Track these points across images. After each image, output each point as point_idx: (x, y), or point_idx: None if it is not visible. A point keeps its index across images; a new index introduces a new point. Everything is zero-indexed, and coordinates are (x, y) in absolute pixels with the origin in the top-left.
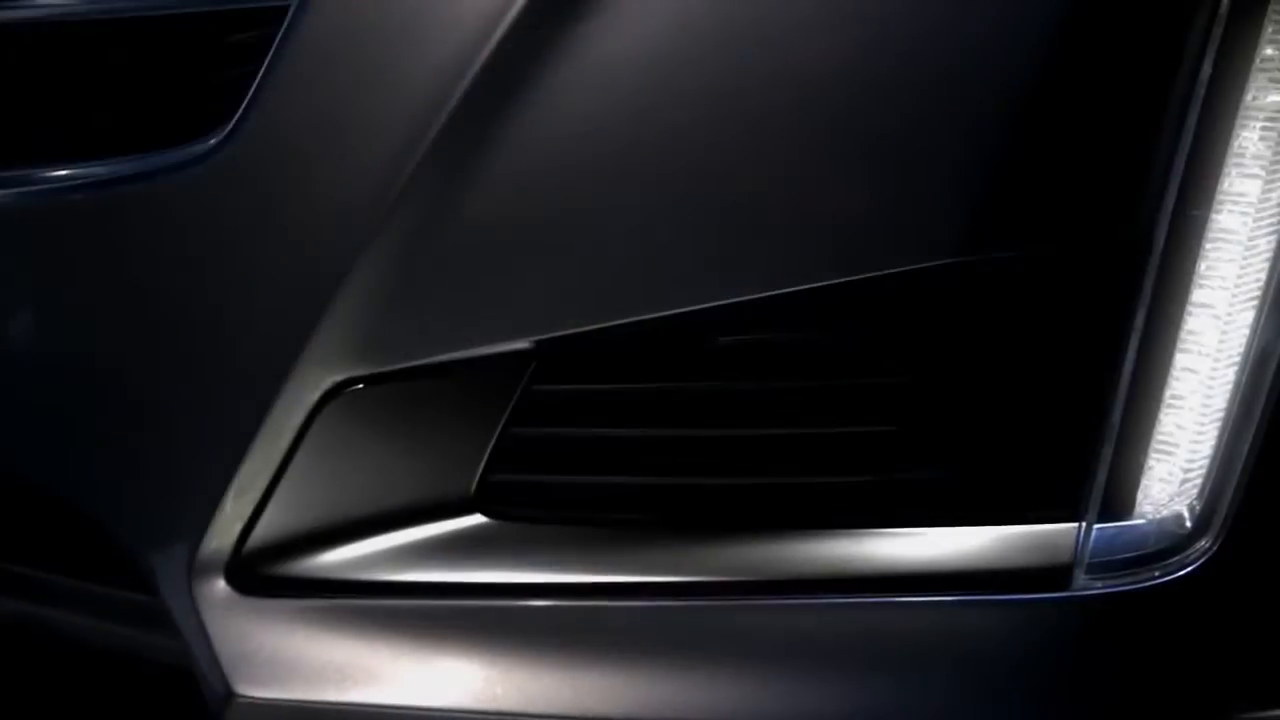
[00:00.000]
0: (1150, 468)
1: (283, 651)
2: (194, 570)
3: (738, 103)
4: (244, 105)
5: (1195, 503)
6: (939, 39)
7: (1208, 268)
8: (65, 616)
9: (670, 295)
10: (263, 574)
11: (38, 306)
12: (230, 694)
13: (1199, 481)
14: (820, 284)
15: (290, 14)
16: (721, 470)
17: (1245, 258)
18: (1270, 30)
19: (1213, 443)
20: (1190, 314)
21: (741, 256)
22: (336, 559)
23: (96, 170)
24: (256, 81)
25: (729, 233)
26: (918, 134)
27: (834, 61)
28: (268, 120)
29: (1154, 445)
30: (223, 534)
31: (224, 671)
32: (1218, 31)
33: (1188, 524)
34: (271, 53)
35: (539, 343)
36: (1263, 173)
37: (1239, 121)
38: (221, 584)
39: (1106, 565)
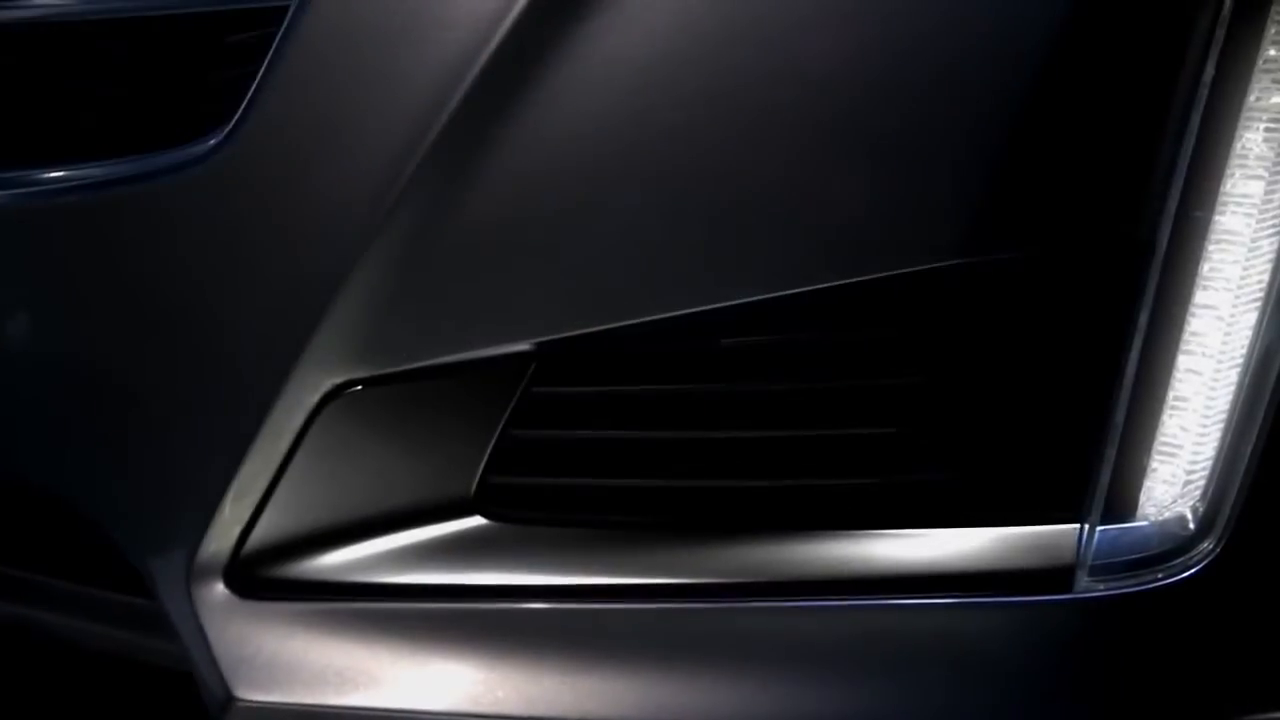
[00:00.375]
0: (1154, 469)
1: (282, 655)
2: (192, 573)
3: (740, 105)
4: (243, 106)
5: (1198, 504)
6: (942, 41)
7: (1211, 269)
8: (64, 620)
9: (671, 297)
10: (262, 577)
11: (36, 308)
12: (230, 698)
13: (1202, 483)
14: (822, 286)
15: (289, 14)
16: (723, 472)
17: (1248, 259)
18: (1273, 31)
19: (1215, 444)
20: (1194, 315)
21: (742, 259)
22: (336, 561)
23: (95, 171)
24: (256, 82)
25: (730, 235)
26: (920, 136)
27: (836, 63)
28: (267, 121)
29: (1157, 447)
30: (221, 537)
31: (223, 675)
32: (1220, 33)
33: (1191, 526)
34: (271, 53)
35: (539, 344)
36: (1266, 174)
37: (1242, 123)
38: (220, 587)
39: (1109, 567)
